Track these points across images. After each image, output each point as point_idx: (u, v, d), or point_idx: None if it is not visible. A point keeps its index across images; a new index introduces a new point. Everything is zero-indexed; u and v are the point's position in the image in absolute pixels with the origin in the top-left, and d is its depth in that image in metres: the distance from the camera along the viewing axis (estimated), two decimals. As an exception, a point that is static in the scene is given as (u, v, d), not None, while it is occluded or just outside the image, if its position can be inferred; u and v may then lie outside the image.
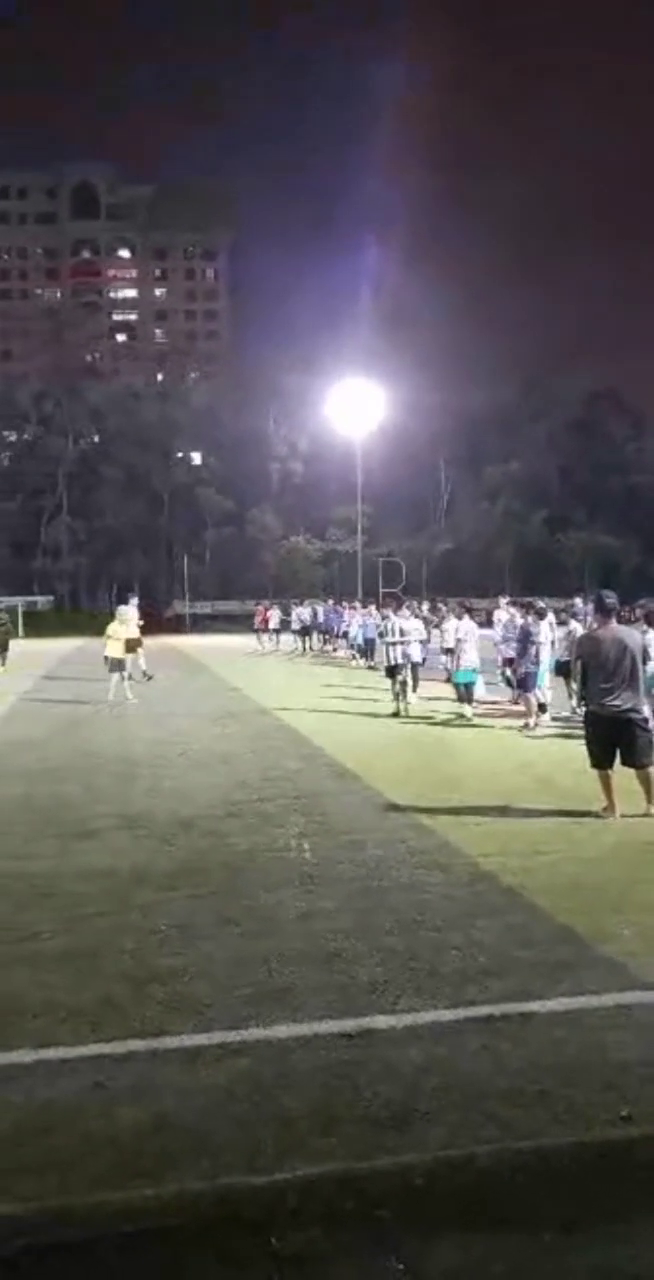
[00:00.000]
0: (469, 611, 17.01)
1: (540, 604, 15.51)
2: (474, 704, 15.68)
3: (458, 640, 15.61)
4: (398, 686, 15.75)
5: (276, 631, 39.17)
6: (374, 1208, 3.09)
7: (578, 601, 18.40)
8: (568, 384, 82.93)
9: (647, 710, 8.88)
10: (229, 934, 5.59)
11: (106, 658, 18.50)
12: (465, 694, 15.48)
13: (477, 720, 14.91)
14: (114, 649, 18.49)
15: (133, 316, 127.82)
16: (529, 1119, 3.55)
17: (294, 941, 5.44)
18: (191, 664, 31.13)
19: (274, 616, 40.02)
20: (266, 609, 41.01)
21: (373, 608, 28.32)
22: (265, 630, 39.08)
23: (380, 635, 17.08)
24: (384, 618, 16.53)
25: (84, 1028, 4.39)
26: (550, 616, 15.30)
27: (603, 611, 8.81)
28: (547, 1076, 3.84)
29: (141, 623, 24.24)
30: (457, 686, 15.74)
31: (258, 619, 40.76)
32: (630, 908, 5.87)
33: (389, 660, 15.98)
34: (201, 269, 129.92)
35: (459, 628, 15.86)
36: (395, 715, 15.41)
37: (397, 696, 15.72)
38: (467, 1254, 2.90)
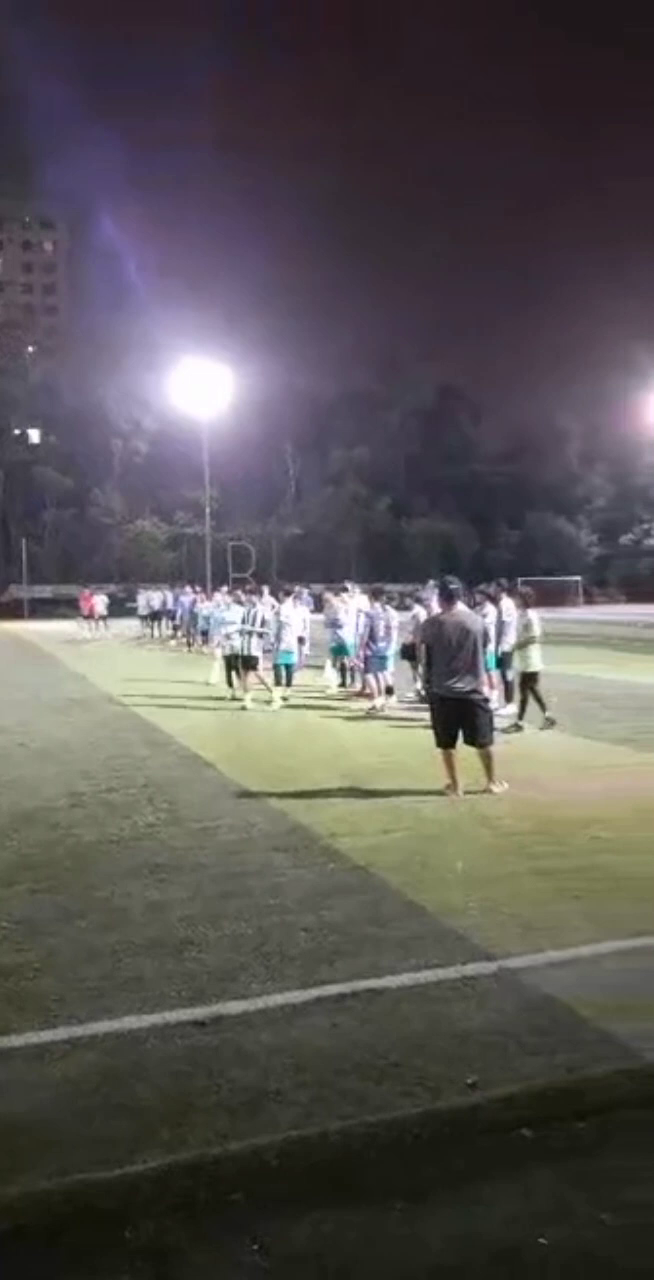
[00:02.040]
0: (290, 595, 17.16)
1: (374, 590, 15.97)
2: (330, 687, 15.89)
3: (280, 624, 15.68)
4: (263, 676, 15.49)
5: (104, 618, 37.62)
6: (228, 1192, 3.09)
7: (431, 583, 18.52)
8: (415, 375, 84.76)
9: (487, 691, 9.23)
10: (75, 927, 5.45)
11: None
12: (284, 676, 15.54)
13: (328, 703, 15.10)
14: None
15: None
16: (380, 1092, 3.63)
17: (143, 931, 5.36)
18: (32, 651, 30.13)
19: (100, 602, 38.31)
20: (91, 594, 39.08)
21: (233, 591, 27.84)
22: (92, 617, 37.31)
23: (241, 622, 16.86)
24: (250, 605, 16.22)
25: None
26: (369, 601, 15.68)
27: (446, 597, 9.07)
28: (396, 1050, 3.94)
29: None
30: (276, 668, 15.80)
31: (83, 605, 38.65)
32: (473, 882, 6.08)
33: (246, 650, 15.61)
34: (39, 240, 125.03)
35: (281, 611, 15.93)
36: (237, 700, 15.26)
37: (271, 687, 15.40)
38: (320, 1229, 2.94)
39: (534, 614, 12.58)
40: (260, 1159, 3.26)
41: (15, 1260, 2.83)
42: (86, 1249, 2.87)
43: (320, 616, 18.27)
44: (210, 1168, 3.20)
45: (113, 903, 5.85)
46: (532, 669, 12.32)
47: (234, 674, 15.70)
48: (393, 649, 15.01)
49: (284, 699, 15.12)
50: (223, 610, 17.01)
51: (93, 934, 5.34)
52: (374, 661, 14.75)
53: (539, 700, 12.23)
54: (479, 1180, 3.16)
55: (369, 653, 14.65)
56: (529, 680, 12.33)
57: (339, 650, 16.82)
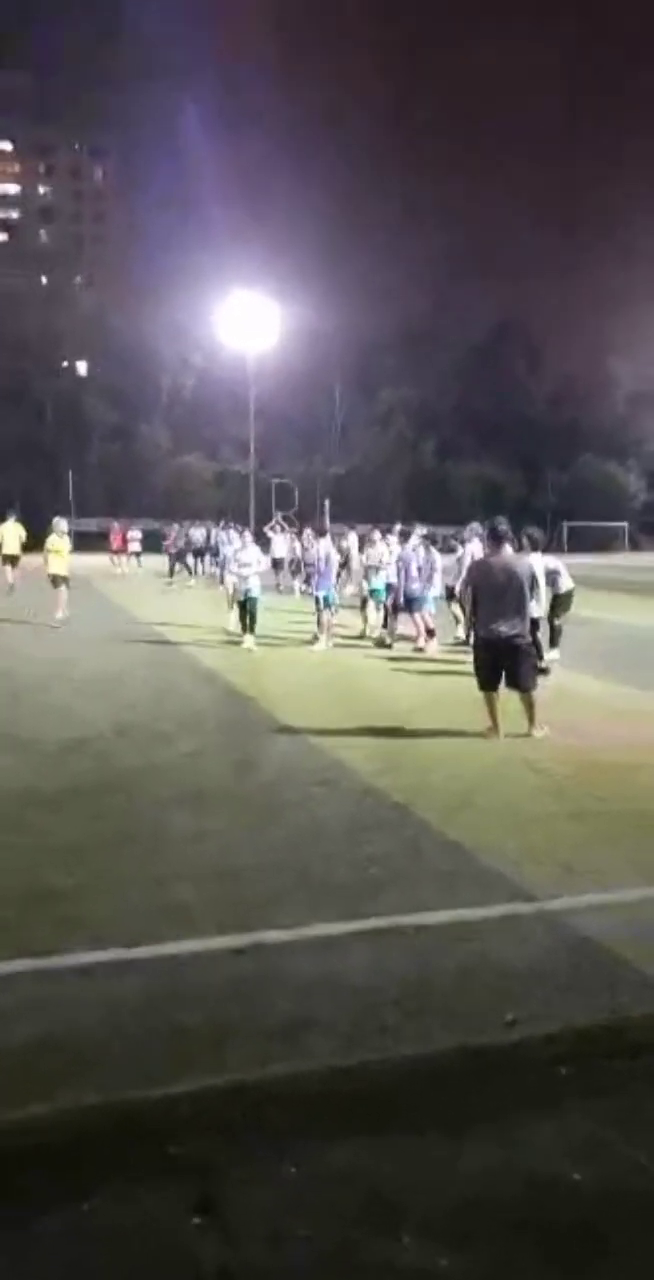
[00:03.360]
0: (324, 534, 16.80)
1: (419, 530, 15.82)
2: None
3: (316, 561, 15.46)
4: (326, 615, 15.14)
5: (137, 554, 36.14)
6: (267, 1116, 3.15)
7: (473, 525, 17.95)
8: (469, 312, 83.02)
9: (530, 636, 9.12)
10: (120, 853, 5.54)
11: (53, 575, 17.70)
12: (325, 614, 15.09)
13: (369, 645, 15.07)
14: (58, 565, 17.72)
15: (14, 214, 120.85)
16: (418, 1026, 3.67)
17: (186, 859, 5.44)
18: (78, 585, 30.30)
19: (134, 537, 36.58)
20: (124, 528, 37.08)
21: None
22: (123, 552, 35.60)
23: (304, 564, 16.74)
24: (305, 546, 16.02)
25: (-29, 948, 4.29)
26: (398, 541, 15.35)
27: (494, 539, 8.95)
28: (435, 985, 3.97)
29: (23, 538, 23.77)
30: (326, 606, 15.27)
31: (114, 539, 36.46)
32: (513, 822, 6.08)
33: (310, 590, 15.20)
34: (90, 168, 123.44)
35: (319, 549, 15.68)
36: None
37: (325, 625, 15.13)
38: (357, 1156, 3.00)
39: (539, 558, 12.05)
40: (300, 1085, 3.32)
41: (62, 1172, 2.92)
42: (131, 1163, 2.95)
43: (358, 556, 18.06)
44: (251, 1091, 3.27)
45: (157, 830, 5.94)
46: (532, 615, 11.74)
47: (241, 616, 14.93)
48: (434, 591, 14.90)
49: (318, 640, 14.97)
50: (240, 549, 15.82)
51: (137, 860, 5.43)
52: (416, 603, 14.66)
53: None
54: (516, 1116, 3.19)
55: (422, 592, 14.58)
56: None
57: (377, 592, 16.60)
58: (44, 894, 4.91)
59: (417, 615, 14.63)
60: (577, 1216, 2.77)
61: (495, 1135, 3.09)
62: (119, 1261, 2.60)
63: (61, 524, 18.85)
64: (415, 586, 14.55)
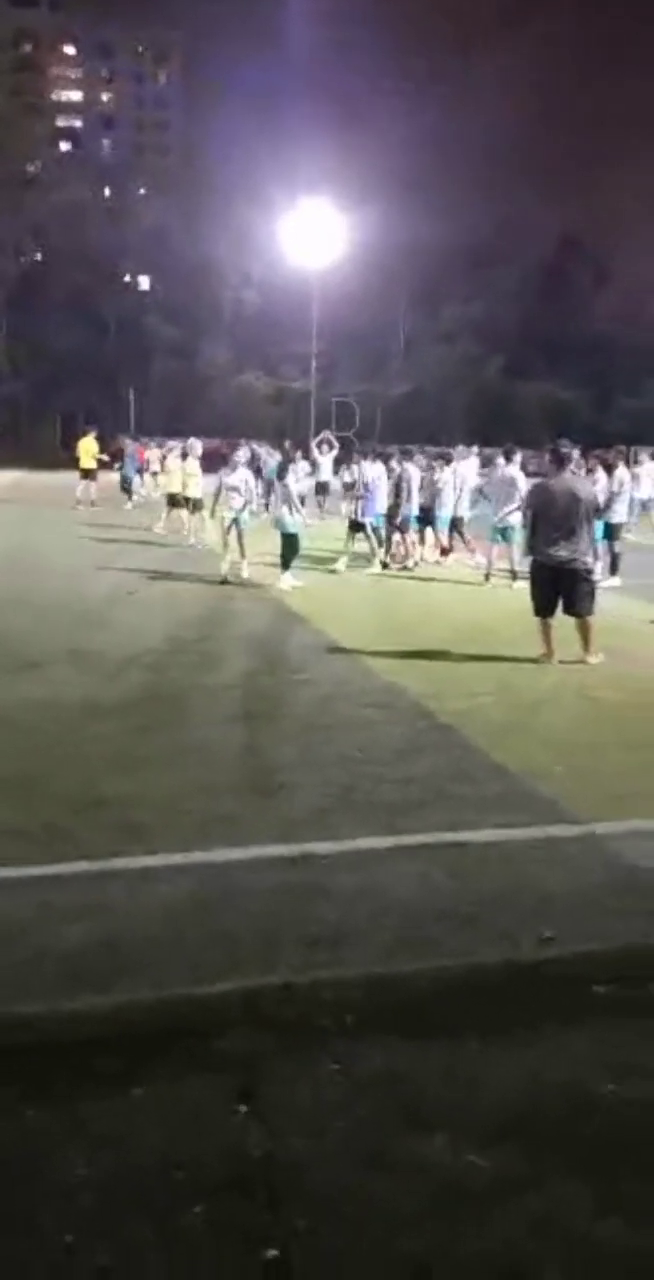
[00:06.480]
0: (381, 457, 16.46)
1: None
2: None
3: (366, 484, 15.04)
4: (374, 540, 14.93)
5: (155, 474, 29.88)
6: (313, 1017, 3.27)
7: (462, 448, 17.60)
8: (535, 227, 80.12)
9: (591, 561, 8.98)
10: (174, 765, 5.69)
11: (187, 499, 18.03)
12: (375, 538, 14.96)
13: (424, 569, 15.00)
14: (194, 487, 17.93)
15: (78, 123, 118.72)
16: (459, 940, 3.76)
17: (238, 773, 5.57)
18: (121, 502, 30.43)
19: (156, 457, 30.85)
20: (145, 448, 33.07)
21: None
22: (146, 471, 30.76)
23: (346, 488, 16.91)
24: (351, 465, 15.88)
25: (32, 850, 4.47)
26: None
27: (557, 461, 8.79)
28: (477, 901, 4.04)
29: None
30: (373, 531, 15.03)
31: (138, 458, 31.32)
32: (562, 748, 6.09)
33: (355, 515, 14.97)
34: (153, 72, 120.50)
35: (366, 471, 15.24)
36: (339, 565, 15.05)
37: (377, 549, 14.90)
38: (396, 1058, 3.11)
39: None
40: (343, 989, 3.42)
41: (110, 1063, 3.07)
42: (179, 1055, 3.10)
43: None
44: (297, 992, 3.39)
45: (210, 744, 6.08)
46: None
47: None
48: (445, 511, 15.23)
49: (383, 564, 14.88)
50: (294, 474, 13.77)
51: (191, 772, 5.57)
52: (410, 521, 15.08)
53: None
54: (551, 1030, 3.26)
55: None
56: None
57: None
58: (100, 800, 5.08)
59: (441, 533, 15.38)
60: (608, 1125, 2.85)
61: (530, 1046, 3.18)
62: (166, 1141, 2.75)
63: (197, 447, 18.79)
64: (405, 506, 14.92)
